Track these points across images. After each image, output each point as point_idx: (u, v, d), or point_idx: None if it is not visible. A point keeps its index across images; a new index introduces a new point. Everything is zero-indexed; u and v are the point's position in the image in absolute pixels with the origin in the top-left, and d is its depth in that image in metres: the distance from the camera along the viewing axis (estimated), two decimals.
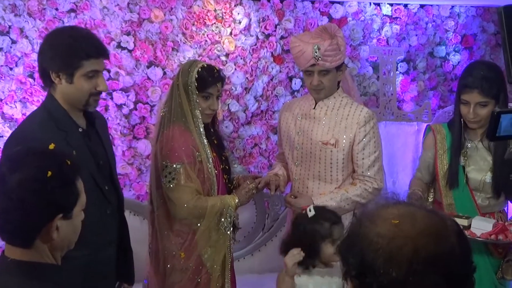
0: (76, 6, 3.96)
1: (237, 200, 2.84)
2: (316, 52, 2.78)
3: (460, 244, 1.19)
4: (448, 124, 3.02)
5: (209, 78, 2.78)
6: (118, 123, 4.12)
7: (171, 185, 2.72)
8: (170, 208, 2.77)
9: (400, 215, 1.20)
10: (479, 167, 2.89)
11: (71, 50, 2.37)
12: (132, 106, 4.14)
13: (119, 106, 4.12)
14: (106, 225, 2.54)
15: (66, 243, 1.65)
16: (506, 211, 2.97)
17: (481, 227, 2.71)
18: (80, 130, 2.47)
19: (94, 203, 2.33)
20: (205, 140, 2.79)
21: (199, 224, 2.76)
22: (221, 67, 3.92)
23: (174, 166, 2.71)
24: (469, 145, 2.92)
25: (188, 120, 2.76)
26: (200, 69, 2.77)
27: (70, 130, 2.42)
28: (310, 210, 2.58)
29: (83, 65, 2.39)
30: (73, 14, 3.96)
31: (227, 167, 2.99)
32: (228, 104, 4.36)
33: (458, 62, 4.95)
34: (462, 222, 2.67)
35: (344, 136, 2.88)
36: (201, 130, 2.79)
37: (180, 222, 2.79)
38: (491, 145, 2.87)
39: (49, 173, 1.54)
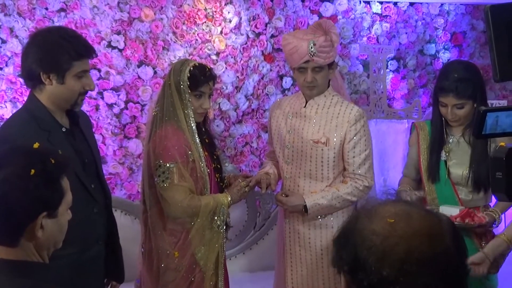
0: (66, 5, 3.96)
1: (229, 199, 2.84)
2: (311, 48, 2.78)
3: (455, 246, 1.18)
4: (431, 121, 3.05)
5: (201, 77, 2.78)
6: (109, 123, 4.12)
7: (165, 184, 2.72)
8: (163, 207, 2.77)
9: (396, 213, 1.19)
10: (461, 162, 2.92)
11: (63, 51, 2.36)
12: (123, 105, 4.14)
13: (110, 106, 4.12)
14: (93, 224, 2.54)
15: (52, 242, 1.65)
16: (491, 206, 2.99)
17: (447, 212, 2.77)
18: (64, 129, 2.47)
19: (80, 202, 2.33)
20: (197, 139, 2.79)
21: (192, 223, 2.76)
22: (211, 66, 3.92)
23: (168, 165, 2.71)
24: (451, 140, 2.95)
25: (180, 119, 2.76)
26: (192, 68, 2.77)
27: (53, 129, 2.42)
28: None
29: (74, 66, 2.38)
30: (63, 14, 3.96)
31: (218, 166, 2.99)
32: (219, 103, 4.37)
33: (448, 60, 4.99)
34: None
35: (335, 135, 2.89)
36: (194, 129, 2.78)
37: (173, 221, 2.79)
38: (472, 140, 2.90)
39: (33, 171, 1.54)
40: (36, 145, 1.66)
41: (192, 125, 2.78)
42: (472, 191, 2.90)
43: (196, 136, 2.79)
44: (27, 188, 1.54)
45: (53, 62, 2.36)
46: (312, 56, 2.79)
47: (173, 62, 4.11)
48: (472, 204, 2.90)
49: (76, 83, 2.41)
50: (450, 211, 2.80)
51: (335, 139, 2.89)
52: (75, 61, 2.38)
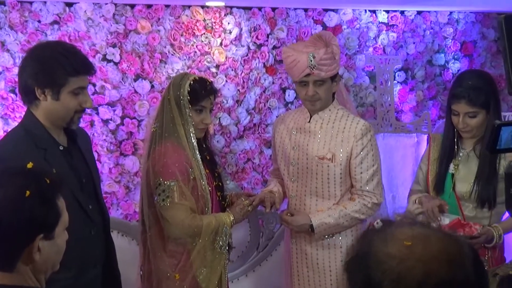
0: (60, 17, 4.01)
1: (232, 218, 2.87)
2: (311, 61, 2.82)
3: (476, 272, 1.19)
4: (442, 139, 3.09)
5: (202, 91, 2.82)
6: (104, 139, 4.16)
7: (165, 203, 2.74)
8: (164, 227, 2.79)
9: (414, 236, 1.21)
10: (467, 177, 2.96)
11: (59, 66, 2.40)
12: (118, 121, 4.18)
13: (105, 121, 4.16)
14: (90, 246, 2.56)
15: (50, 265, 1.67)
16: None
17: (442, 221, 2.81)
18: (61, 148, 2.50)
19: (77, 223, 2.34)
20: (198, 156, 2.82)
21: (194, 244, 2.79)
22: (211, 79, 3.96)
23: (168, 183, 2.73)
24: (461, 153, 2.99)
25: (180, 135, 2.79)
26: (192, 82, 2.81)
27: (50, 147, 2.45)
28: (377, 223, 2.63)
29: (70, 82, 2.42)
30: (56, 26, 4.01)
31: (220, 184, 3.02)
32: (219, 118, 4.41)
33: (458, 70, 5.04)
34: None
35: (341, 150, 2.93)
36: (194, 145, 2.82)
37: (174, 242, 2.81)
38: (481, 155, 2.93)
39: (27, 192, 1.57)
40: (29, 165, 1.68)
41: (193, 141, 2.82)
42: (476, 207, 2.93)
43: (197, 152, 2.83)
44: (23, 210, 1.56)
45: (48, 77, 2.39)
46: (313, 69, 2.83)
47: (171, 75, 4.18)
48: (476, 221, 2.92)
49: (71, 100, 2.44)
50: (444, 220, 2.84)
51: (341, 155, 2.92)
52: (71, 77, 2.42)
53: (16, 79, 3.73)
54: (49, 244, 1.62)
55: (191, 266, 2.80)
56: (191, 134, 2.81)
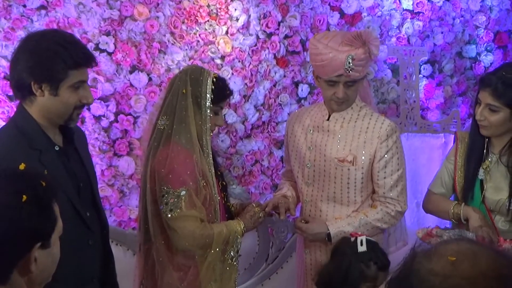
0: (47, 2, 4.02)
1: (243, 226, 2.90)
2: (349, 63, 2.83)
3: None
4: (469, 138, 3.08)
5: (226, 91, 2.87)
6: (97, 138, 4.17)
7: (174, 214, 2.76)
8: (172, 239, 2.81)
9: (459, 252, 1.23)
10: (498, 186, 2.96)
11: (58, 58, 2.41)
12: (112, 118, 4.20)
13: (98, 118, 4.18)
14: (88, 258, 2.58)
15: (46, 275, 1.69)
16: None
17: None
18: (57, 148, 2.51)
19: (74, 232, 2.38)
20: (211, 161, 2.85)
21: (205, 256, 2.81)
22: (216, 72, 3.98)
23: (178, 192, 2.76)
24: (490, 158, 2.98)
25: (193, 136, 2.81)
26: (214, 80, 2.84)
27: (45, 148, 2.46)
28: (361, 244, 2.66)
29: (70, 75, 2.43)
30: (43, 12, 4.02)
31: (224, 183, 3.06)
32: (224, 115, 4.42)
33: (491, 64, 5.05)
34: None
35: (363, 152, 2.95)
36: (210, 149, 2.85)
37: (181, 254, 2.84)
38: (510, 164, 2.92)
39: (24, 197, 1.58)
40: (22, 166, 1.70)
41: (208, 144, 2.84)
42: (510, 221, 2.94)
43: (211, 157, 2.86)
44: (20, 218, 1.57)
45: (46, 70, 2.40)
46: (349, 72, 2.85)
47: (171, 67, 4.21)
48: (510, 236, 2.92)
49: (71, 95, 2.46)
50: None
51: (363, 157, 2.95)
52: (71, 70, 2.43)
53: None
54: (46, 253, 1.64)
55: (200, 280, 2.82)
56: (208, 136, 2.84)
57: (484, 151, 2.99)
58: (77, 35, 4.05)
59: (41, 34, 2.69)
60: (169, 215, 2.77)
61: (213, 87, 2.83)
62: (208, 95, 2.82)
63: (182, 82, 2.87)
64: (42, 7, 4.03)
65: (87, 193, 2.62)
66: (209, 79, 2.84)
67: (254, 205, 3.03)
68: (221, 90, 2.87)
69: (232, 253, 2.87)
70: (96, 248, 2.63)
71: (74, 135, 2.63)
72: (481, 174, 2.98)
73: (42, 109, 2.46)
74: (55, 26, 3.98)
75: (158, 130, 2.86)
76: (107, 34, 4.15)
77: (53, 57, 2.40)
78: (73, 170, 2.56)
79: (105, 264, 2.71)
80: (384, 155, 2.94)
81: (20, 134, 2.44)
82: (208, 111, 2.83)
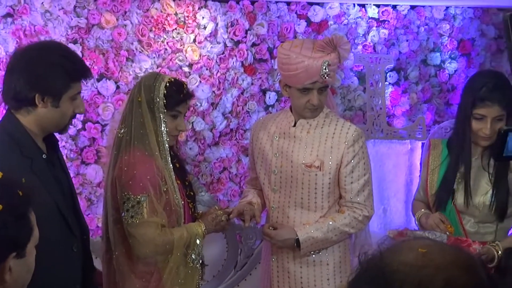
0: (14, 10, 3.98)
1: (203, 228, 2.88)
2: (325, 69, 2.85)
3: (488, 279, 1.29)
4: (447, 143, 3.12)
5: (179, 95, 2.85)
6: (64, 146, 4.13)
7: (135, 221, 2.75)
8: (132, 246, 2.79)
9: (428, 245, 1.30)
10: (472, 188, 3.00)
11: (63, 72, 2.46)
12: (80, 125, 4.17)
13: None
14: (72, 264, 2.59)
15: (20, 285, 1.67)
16: None
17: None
18: (44, 156, 2.54)
19: (61, 239, 2.46)
20: (171, 166, 2.84)
21: (166, 261, 2.80)
22: (184, 80, 3.98)
23: (138, 198, 2.74)
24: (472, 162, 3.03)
25: (151, 142, 2.80)
26: (167, 84, 2.82)
27: (35, 157, 2.49)
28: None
29: (71, 87, 2.50)
30: (9, 20, 3.98)
31: (191, 193, 3.04)
32: (192, 122, 4.42)
33: (455, 71, 5.10)
34: None
35: (330, 157, 2.96)
36: (167, 154, 2.83)
37: (143, 262, 2.82)
38: (490, 164, 2.97)
39: (0, 206, 1.56)
40: None
41: (166, 150, 2.83)
42: (480, 221, 2.99)
43: (170, 162, 2.84)
44: None
45: (52, 83, 2.45)
46: (325, 78, 2.87)
47: (139, 75, 4.17)
48: (478, 237, 2.96)
49: (69, 106, 2.52)
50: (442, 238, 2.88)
51: (330, 163, 2.96)
52: (73, 83, 2.50)
53: None
54: (21, 262, 1.63)
55: (162, 285, 2.81)
56: (165, 142, 2.83)
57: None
58: None
59: (43, 46, 2.74)
60: (130, 222, 2.75)
61: (165, 91, 2.82)
62: (159, 100, 2.81)
63: (137, 90, 2.88)
64: (8, 14, 3.99)
65: (69, 199, 2.65)
66: (162, 84, 2.83)
67: (216, 208, 3.03)
68: (175, 94, 2.85)
69: (193, 256, 2.86)
70: (79, 253, 2.64)
71: (56, 143, 2.69)
72: (458, 177, 3.03)
73: (40, 120, 2.49)
74: (21, 34, 3.95)
75: (118, 138, 2.86)
76: (74, 42, 4.12)
77: (59, 71, 2.46)
78: (58, 177, 2.60)
79: (86, 271, 2.71)
80: (351, 160, 2.95)
81: (12, 141, 2.45)
82: (162, 116, 2.82)
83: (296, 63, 2.89)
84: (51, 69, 2.45)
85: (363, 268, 1.33)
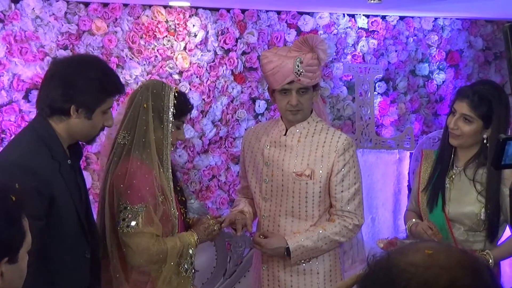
0: (4, 15, 3.97)
1: (196, 237, 2.88)
2: (298, 66, 2.86)
3: (493, 280, 1.32)
4: (438, 149, 3.16)
5: (188, 106, 2.87)
6: None
7: (130, 230, 2.73)
8: (126, 256, 2.77)
9: (433, 247, 1.33)
10: (460, 198, 3.02)
11: (102, 87, 2.53)
12: None
13: None
14: (83, 271, 2.63)
15: None
16: None
17: None
18: (69, 162, 2.59)
19: (75, 243, 2.53)
20: (171, 176, 2.84)
21: (160, 271, 2.78)
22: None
23: (136, 208, 2.73)
24: (454, 170, 3.05)
25: (152, 152, 2.78)
26: (176, 94, 2.83)
27: (62, 161, 2.55)
28: None
29: (106, 102, 2.56)
30: (0, 25, 3.97)
31: (183, 199, 3.04)
32: None
33: (443, 82, 5.15)
34: None
35: (321, 166, 2.96)
36: (169, 163, 2.83)
37: (136, 271, 2.80)
38: (476, 177, 2.99)
39: None
40: None
41: (168, 160, 2.83)
42: (469, 230, 3.00)
43: (170, 172, 2.84)
44: None
45: (89, 97, 2.52)
46: (299, 76, 2.88)
47: (129, 82, 4.18)
48: (467, 245, 2.98)
49: (100, 119, 2.58)
50: None
51: (321, 171, 2.96)
52: (107, 98, 2.57)
53: None
54: (13, 268, 1.62)
55: None
56: (168, 151, 2.83)
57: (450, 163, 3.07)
58: (34, 49, 4.02)
59: (84, 60, 2.80)
60: (125, 231, 2.74)
61: (175, 101, 2.81)
62: (170, 110, 2.80)
63: (144, 96, 2.82)
64: None
65: (84, 206, 2.70)
66: (171, 93, 2.81)
67: (209, 217, 3.02)
68: (183, 105, 2.86)
69: (186, 266, 2.85)
70: (90, 261, 2.67)
71: (81, 151, 2.77)
72: (446, 182, 3.04)
73: (71, 129, 2.55)
74: (12, 40, 3.94)
75: (118, 145, 2.82)
76: (65, 48, 4.11)
77: (96, 85, 2.52)
78: (78, 184, 2.66)
79: (93, 278, 2.72)
80: (342, 169, 2.96)
81: (43, 144, 2.51)
82: (170, 126, 2.81)
83: (272, 62, 2.93)
84: (89, 84, 2.51)
85: (371, 269, 1.36)
